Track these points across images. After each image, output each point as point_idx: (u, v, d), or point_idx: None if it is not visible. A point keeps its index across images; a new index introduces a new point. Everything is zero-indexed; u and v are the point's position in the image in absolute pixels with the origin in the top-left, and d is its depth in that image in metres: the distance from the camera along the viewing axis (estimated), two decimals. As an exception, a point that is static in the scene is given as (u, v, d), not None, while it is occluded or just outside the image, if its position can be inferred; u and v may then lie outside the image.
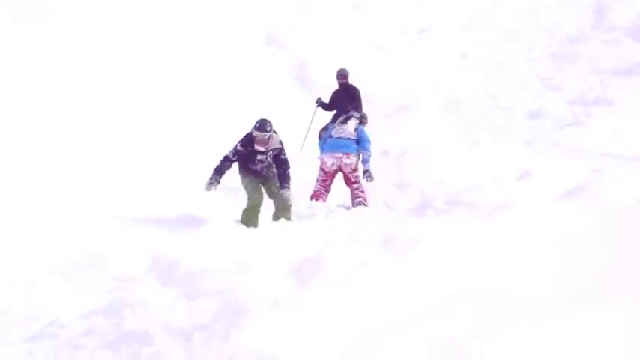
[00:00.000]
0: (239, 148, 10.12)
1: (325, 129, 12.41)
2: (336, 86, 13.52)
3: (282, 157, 10.19)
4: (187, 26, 17.59)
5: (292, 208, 10.22)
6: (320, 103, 13.73)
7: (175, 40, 16.91)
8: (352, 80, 13.48)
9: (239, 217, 10.05)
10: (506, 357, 5.04)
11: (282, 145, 10.22)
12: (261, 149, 10.06)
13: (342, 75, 13.50)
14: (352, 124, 11.47)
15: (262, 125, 10.03)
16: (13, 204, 10.23)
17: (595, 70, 17.93)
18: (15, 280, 8.05)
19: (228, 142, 13.82)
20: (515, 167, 11.48)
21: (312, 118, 13.91)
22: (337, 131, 11.44)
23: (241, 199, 10.47)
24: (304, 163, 11.81)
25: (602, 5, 21.15)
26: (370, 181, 11.35)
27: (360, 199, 11.15)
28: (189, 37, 17.25)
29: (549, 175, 10.30)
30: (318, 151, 11.90)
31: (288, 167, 10.18)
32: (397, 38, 19.96)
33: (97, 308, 6.89)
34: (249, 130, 10.12)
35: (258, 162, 10.14)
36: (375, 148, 11.77)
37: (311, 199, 11.25)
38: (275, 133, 10.15)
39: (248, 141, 10.08)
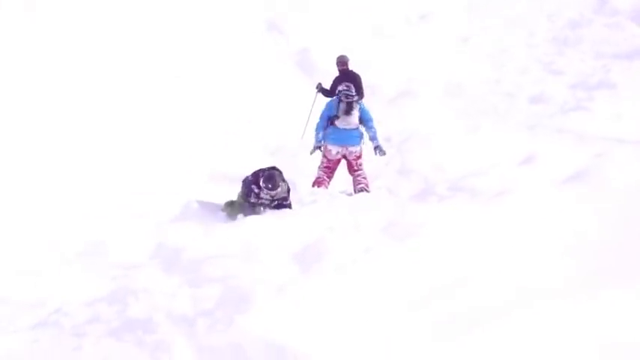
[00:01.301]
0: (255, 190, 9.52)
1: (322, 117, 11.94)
2: (336, 73, 13.46)
3: (286, 202, 9.75)
4: (189, 13, 17.55)
5: (294, 196, 10.15)
6: (320, 89, 13.66)
7: (177, 26, 16.87)
8: (353, 66, 13.41)
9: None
10: (507, 341, 5.05)
11: (289, 192, 9.78)
12: (267, 196, 9.58)
13: (342, 62, 13.39)
14: (356, 113, 11.35)
15: (272, 184, 9.37)
16: (16, 194, 10.24)
17: (597, 55, 17.89)
18: (19, 268, 8.08)
19: (230, 130, 13.90)
20: (517, 152, 11.44)
21: (313, 104, 13.86)
22: (342, 122, 11.34)
23: (238, 189, 10.53)
24: (305, 150, 11.79)
25: (604, -11, 21.11)
26: (382, 154, 11.41)
27: (362, 186, 11.15)
28: (191, 23, 17.21)
29: (551, 160, 10.28)
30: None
31: (288, 208, 9.74)
32: (399, 24, 19.92)
33: (101, 296, 6.92)
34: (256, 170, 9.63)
35: (260, 202, 9.65)
36: (377, 134, 11.73)
37: (313, 185, 11.21)
38: (283, 181, 9.58)
39: (254, 186, 9.55)
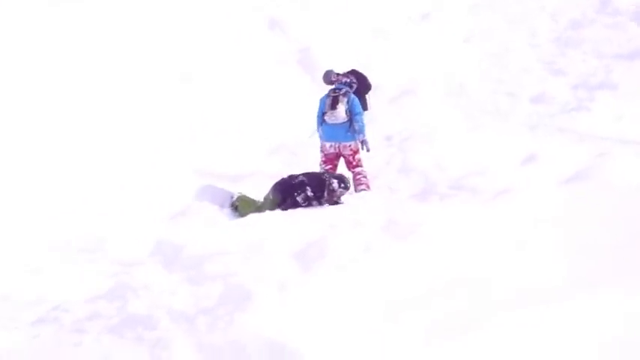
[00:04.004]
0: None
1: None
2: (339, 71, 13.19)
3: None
4: (190, 11, 17.52)
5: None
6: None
7: (178, 25, 16.84)
8: (355, 66, 13.13)
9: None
10: (507, 340, 5.04)
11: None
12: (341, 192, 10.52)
13: (330, 81, 12.13)
14: (342, 107, 11.28)
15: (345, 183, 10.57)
16: (17, 191, 10.23)
17: (599, 55, 17.84)
18: (20, 265, 8.08)
19: (231, 129, 13.87)
20: (518, 152, 11.44)
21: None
22: (329, 117, 11.26)
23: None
24: (308, 149, 11.79)
25: (607, -11, 21.06)
26: (367, 150, 11.24)
27: (362, 186, 11.10)
28: (192, 22, 17.18)
29: (553, 160, 10.28)
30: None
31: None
32: (401, 23, 19.88)
33: (102, 293, 6.92)
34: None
35: (308, 203, 10.36)
36: (378, 133, 11.73)
37: None
38: None
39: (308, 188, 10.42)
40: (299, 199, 10.23)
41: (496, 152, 11.83)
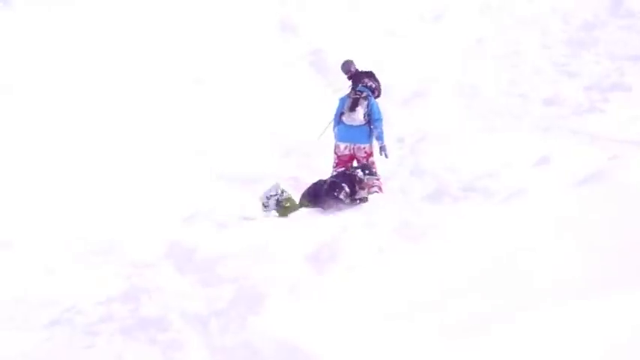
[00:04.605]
0: None
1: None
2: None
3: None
4: (202, 13, 17.57)
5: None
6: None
7: (190, 27, 16.89)
8: (367, 66, 13.03)
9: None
10: (519, 342, 5.03)
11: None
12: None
13: (348, 69, 12.15)
14: (360, 110, 11.27)
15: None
16: (31, 193, 10.28)
17: (612, 56, 17.80)
18: (33, 267, 8.11)
19: (242, 129, 13.89)
20: (531, 153, 11.41)
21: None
22: (347, 118, 11.22)
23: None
24: (320, 151, 11.79)
25: (619, -9, 20.99)
26: (386, 156, 11.26)
27: (375, 189, 11.07)
28: (204, 24, 17.23)
29: (566, 162, 10.25)
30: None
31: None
32: (413, 24, 19.88)
33: (115, 295, 6.93)
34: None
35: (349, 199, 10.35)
36: (390, 134, 11.68)
37: None
38: None
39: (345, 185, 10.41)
40: (341, 196, 10.11)
41: (509, 154, 11.80)
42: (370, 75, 11.97)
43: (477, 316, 5.38)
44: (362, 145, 11.18)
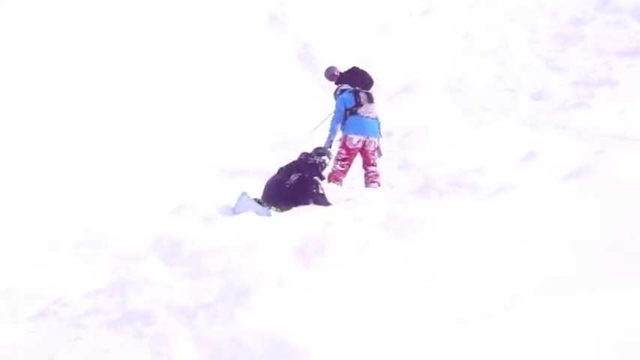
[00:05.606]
0: None
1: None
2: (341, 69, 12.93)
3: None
4: (192, 6, 17.52)
5: None
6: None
7: (178, 20, 16.84)
8: (355, 62, 13.06)
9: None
10: (508, 337, 5.04)
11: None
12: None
13: (332, 74, 12.30)
14: (376, 103, 11.28)
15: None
16: (16, 185, 10.23)
17: (599, 52, 17.85)
18: (19, 259, 8.08)
19: (230, 123, 13.88)
20: (518, 148, 11.45)
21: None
22: (365, 110, 11.12)
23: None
24: (308, 145, 11.76)
25: (607, -14, 21.05)
26: (380, 154, 11.32)
27: (375, 184, 11.04)
28: (192, 17, 17.19)
29: (553, 157, 10.30)
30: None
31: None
32: (401, 19, 19.88)
33: (101, 287, 6.92)
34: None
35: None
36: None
37: (329, 180, 10.85)
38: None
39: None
40: (321, 191, 9.86)
41: (496, 149, 11.86)
42: (351, 70, 12.01)
43: (464, 311, 5.38)
44: (374, 139, 11.15)
